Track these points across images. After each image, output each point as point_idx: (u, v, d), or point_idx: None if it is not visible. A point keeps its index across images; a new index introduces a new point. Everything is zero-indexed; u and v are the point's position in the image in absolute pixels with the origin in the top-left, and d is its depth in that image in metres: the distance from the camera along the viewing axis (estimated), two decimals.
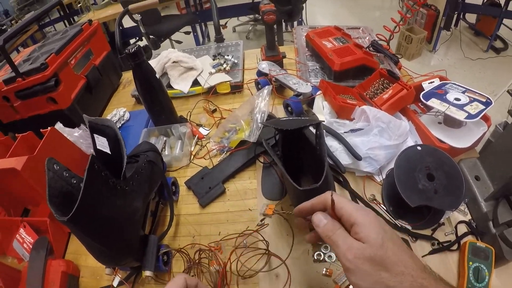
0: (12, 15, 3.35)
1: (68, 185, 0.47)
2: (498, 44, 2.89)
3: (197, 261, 0.63)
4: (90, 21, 1.12)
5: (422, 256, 0.57)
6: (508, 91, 1.10)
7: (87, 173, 0.45)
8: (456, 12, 2.80)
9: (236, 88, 1.02)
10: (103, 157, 0.61)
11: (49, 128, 0.76)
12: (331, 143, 0.71)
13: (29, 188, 0.70)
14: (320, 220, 0.40)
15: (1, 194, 0.76)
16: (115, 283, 0.63)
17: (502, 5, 2.59)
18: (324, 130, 0.68)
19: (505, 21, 2.70)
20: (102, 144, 0.61)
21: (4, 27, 2.88)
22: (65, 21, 1.33)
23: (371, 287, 0.33)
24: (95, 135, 0.61)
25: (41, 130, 0.77)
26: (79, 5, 2.94)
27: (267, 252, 0.59)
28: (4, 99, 0.91)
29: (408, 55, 2.87)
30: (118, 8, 2.72)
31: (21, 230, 0.74)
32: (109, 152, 0.61)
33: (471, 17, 3.08)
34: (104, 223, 0.50)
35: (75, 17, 2.92)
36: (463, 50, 2.89)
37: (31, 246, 0.70)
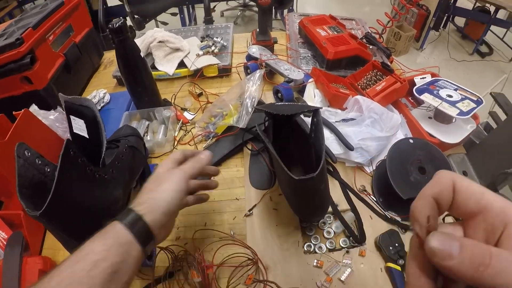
0: None
1: (40, 174, 0.42)
2: (483, 48, 2.97)
3: (181, 259, 0.57)
4: None
5: None
6: (490, 94, 1.14)
7: (62, 160, 0.40)
8: (446, 14, 2.85)
9: (224, 72, 0.98)
10: (80, 142, 0.57)
11: (22, 110, 0.69)
12: None
13: (0, 178, 0.64)
14: (451, 243, 0.19)
15: None
16: None
17: (491, 12, 2.65)
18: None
19: (492, 27, 2.77)
20: (79, 127, 0.56)
21: None
22: None
23: None
24: (72, 117, 0.56)
25: (13, 112, 0.71)
26: None
27: (253, 260, 0.55)
28: None
29: (395, 52, 2.90)
30: None
31: None
32: (86, 136, 0.56)
33: (460, 21, 3.15)
34: (81, 217, 0.46)
35: None
36: (450, 51, 2.96)
37: (5, 243, 0.65)
